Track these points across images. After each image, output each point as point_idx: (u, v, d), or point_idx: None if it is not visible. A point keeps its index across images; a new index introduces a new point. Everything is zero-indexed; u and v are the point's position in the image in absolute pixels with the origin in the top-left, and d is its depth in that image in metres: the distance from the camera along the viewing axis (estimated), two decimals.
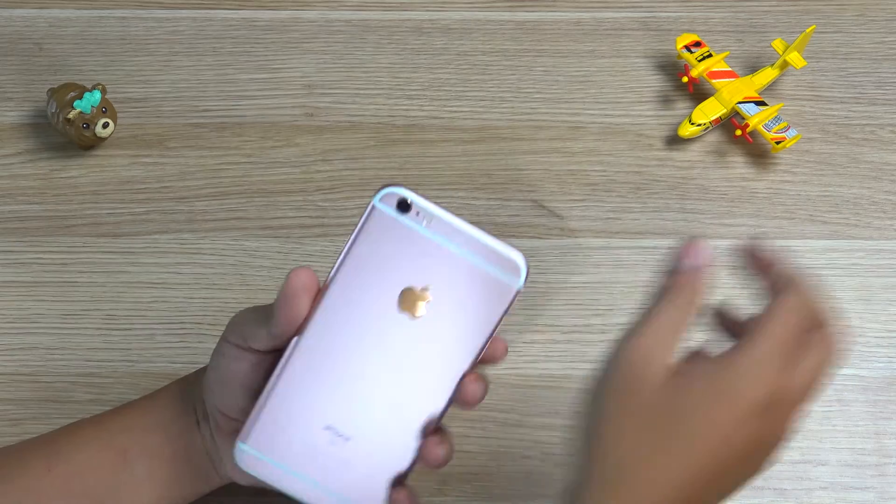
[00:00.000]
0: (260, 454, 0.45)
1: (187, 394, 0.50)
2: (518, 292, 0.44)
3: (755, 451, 0.40)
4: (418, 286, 0.44)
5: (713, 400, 0.39)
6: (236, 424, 0.47)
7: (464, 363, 0.45)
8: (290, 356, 0.44)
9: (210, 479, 0.50)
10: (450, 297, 0.44)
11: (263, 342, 0.45)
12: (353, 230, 0.44)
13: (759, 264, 0.43)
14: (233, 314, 0.62)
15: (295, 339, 0.44)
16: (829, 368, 0.41)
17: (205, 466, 0.50)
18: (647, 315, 0.41)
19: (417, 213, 0.44)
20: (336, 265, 0.44)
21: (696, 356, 0.41)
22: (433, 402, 0.45)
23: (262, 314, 0.45)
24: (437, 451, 0.44)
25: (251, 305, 0.47)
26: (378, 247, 0.44)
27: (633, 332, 0.41)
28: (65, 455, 0.49)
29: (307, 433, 0.45)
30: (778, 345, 0.39)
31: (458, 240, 0.44)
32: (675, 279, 0.42)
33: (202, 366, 0.51)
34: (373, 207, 0.44)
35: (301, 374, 0.44)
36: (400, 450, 0.45)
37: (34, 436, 0.51)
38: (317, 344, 0.44)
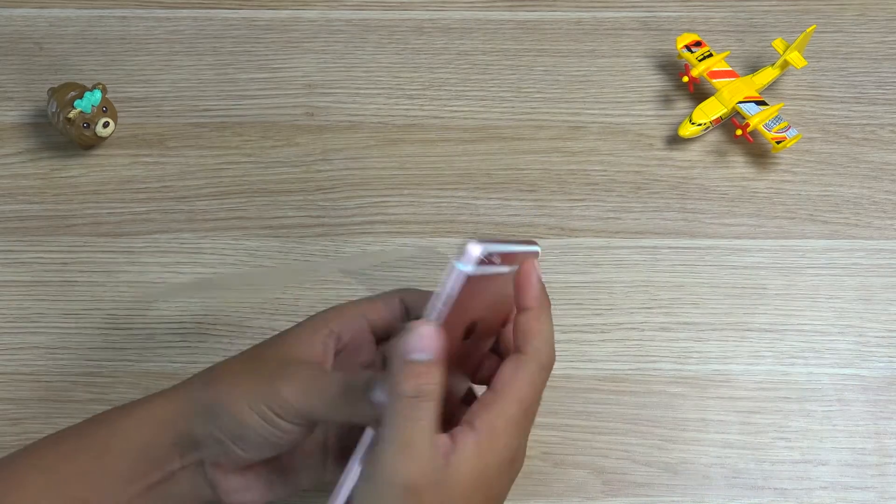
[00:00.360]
0: None
1: (170, 426, 0.46)
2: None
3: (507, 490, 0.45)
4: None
5: (485, 480, 0.42)
6: (240, 465, 0.46)
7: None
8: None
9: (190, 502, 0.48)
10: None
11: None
12: (441, 298, 0.41)
13: (519, 292, 0.45)
14: (232, 312, 0.62)
15: None
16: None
17: (182, 496, 0.47)
18: (394, 433, 0.41)
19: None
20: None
21: (455, 436, 0.42)
22: None
23: (337, 391, 0.44)
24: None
25: (279, 379, 0.45)
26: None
27: (391, 461, 0.40)
28: None
29: None
30: (526, 410, 0.43)
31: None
32: (401, 384, 0.41)
33: (157, 391, 0.48)
34: (465, 275, 0.41)
35: None
36: None
37: (37, 436, 0.49)
38: None
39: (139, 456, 0.46)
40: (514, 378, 0.43)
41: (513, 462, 0.44)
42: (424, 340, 0.40)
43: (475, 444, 0.41)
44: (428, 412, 0.40)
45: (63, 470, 0.45)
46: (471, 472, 0.41)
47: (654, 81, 0.72)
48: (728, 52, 0.70)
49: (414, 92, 0.71)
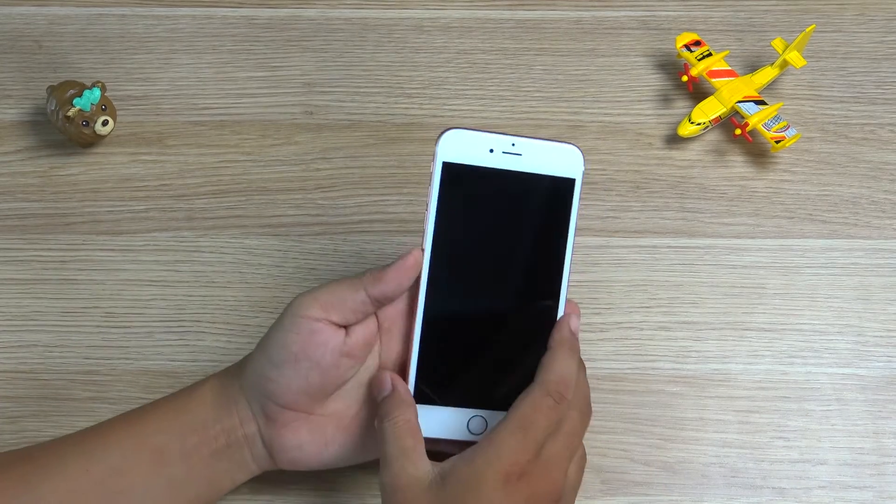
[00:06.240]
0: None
1: (229, 391, 0.51)
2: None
3: None
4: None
5: (475, 485, 0.45)
6: (291, 415, 0.49)
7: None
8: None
9: (249, 471, 0.52)
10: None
11: (355, 309, 0.48)
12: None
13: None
14: (231, 310, 0.62)
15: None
16: (575, 448, 0.48)
17: (245, 461, 0.51)
18: (384, 445, 0.47)
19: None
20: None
21: (453, 461, 0.46)
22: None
23: (350, 286, 0.48)
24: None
25: (311, 287, 0.49)
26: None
27: (382, 468, 0.47)
28: (99, 455, 0.49)
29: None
30: (525, 426, 0.46)
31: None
32: (382, 409, 0.48)
33: (227, 364, 0.52)
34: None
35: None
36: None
37: (34, 434, 0.50)
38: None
39: (214, 418, 0.50)
40: (518, 400, 0.47)
41: (518, 477, 0.45)
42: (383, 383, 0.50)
43: (470, 450, 0.46)
44: (402, 421, 0.48)
45: (144, 423, 0.51)
46: (463, 476, 0.45)
47: (654, 81, 0.72)
48: (727, 52, 0.70)
49: (413, 91, 0.71)
